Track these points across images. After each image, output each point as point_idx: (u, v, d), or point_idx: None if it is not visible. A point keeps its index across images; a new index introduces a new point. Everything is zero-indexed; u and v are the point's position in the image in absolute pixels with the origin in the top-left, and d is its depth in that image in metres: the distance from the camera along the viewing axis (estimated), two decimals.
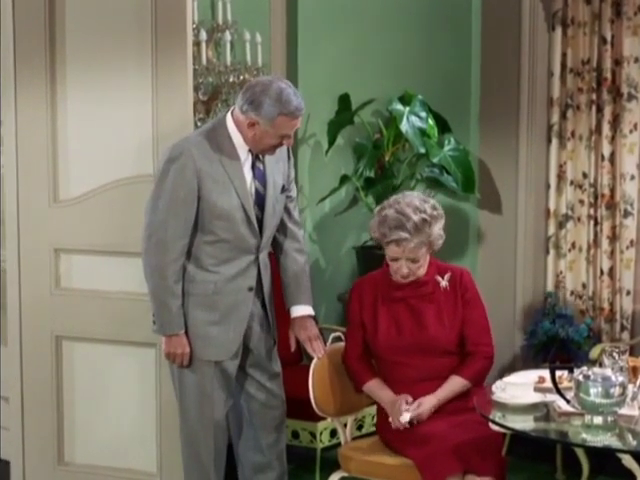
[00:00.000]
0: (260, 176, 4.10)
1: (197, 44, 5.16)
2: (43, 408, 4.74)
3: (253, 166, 4.09)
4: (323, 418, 4.49)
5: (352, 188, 5.93)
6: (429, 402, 4.03)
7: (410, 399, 4.05)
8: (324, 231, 5.98)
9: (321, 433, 5.09)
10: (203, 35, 5.21)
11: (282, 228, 4.26)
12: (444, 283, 4.14)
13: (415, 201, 4.06)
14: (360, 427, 5.23)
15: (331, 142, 5.78)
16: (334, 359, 4.29)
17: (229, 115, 4.08)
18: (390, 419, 4.05)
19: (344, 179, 5.81)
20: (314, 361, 4.24)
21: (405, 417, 3.97)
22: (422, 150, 5.70)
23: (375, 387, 4.19)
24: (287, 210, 4.26)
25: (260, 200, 4.10)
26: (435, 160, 5.74)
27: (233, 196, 4.02)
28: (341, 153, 5.93)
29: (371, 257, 5.57)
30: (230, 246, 4.07)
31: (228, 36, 5.30)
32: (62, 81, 4.59)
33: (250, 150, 4.06)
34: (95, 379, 4.66)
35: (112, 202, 4.52)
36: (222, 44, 5.37)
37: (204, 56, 5.25)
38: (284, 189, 4.19)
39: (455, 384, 4.09)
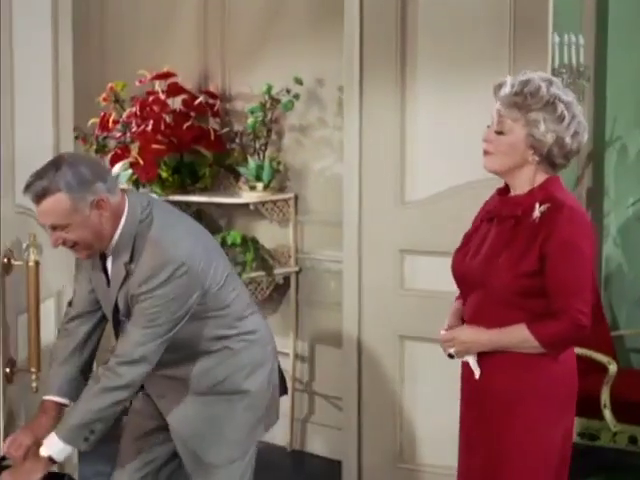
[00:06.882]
0: None
1: None
2: (381, 408, 4.80)
3: None
4: None
5: None
6: (470, 334, 3.24)
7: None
8: (627, 235, 5.87)
9: None
10: None
11: None
12: (537, 213, 3.09)
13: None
14: None
15: None
16: None
17: None
18: None
19: None
20: None
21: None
22: None
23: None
24: None
25: None
26: None
27: None
28: None
29: None
30: None
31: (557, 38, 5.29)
32: (412, 84, 4.64)
33: None
34: (436, 380, 4.66)
35: (459, 205, 4.52)
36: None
37: None
38: None
39: (516, 332, 3.09)
